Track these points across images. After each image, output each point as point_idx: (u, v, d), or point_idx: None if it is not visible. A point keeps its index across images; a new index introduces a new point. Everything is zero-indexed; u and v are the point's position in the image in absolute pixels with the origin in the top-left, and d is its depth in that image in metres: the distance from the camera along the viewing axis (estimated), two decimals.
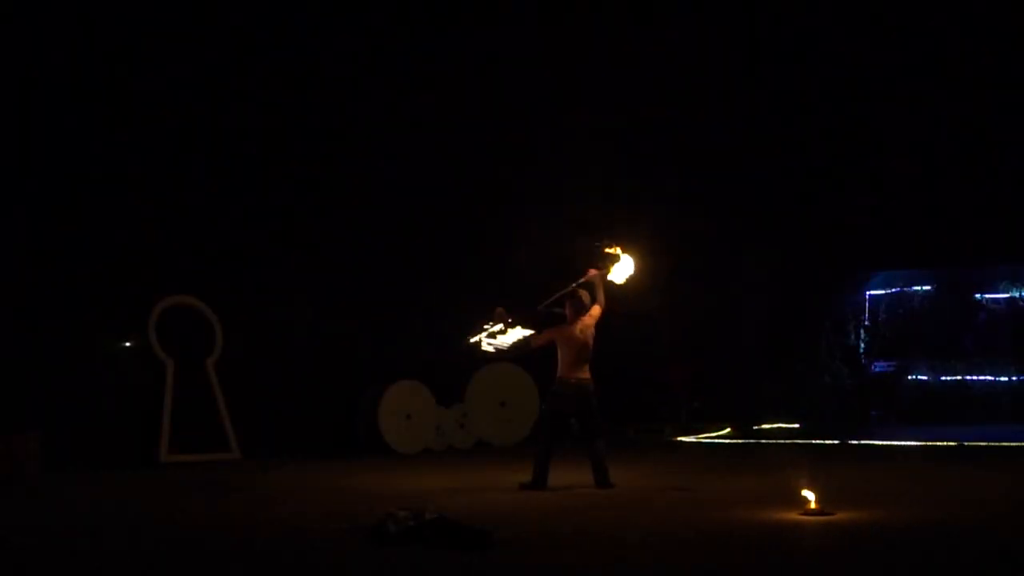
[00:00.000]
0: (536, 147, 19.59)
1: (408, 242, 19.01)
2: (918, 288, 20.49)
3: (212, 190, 17.84)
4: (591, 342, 11.20)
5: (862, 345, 19.34)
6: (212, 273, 17.11)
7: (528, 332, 11.29)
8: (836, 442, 16.00)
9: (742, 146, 20.47)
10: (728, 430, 18.38)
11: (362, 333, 17.84)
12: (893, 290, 20.59)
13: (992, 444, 14.94)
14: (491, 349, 11.43)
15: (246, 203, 18.07)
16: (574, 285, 11.25)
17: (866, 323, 19.79)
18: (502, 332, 11.30)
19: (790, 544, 7.93)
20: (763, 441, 16.78)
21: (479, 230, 19.21)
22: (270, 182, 18.28)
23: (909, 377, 19.36)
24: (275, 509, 10.44)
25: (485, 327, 11.30)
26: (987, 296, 20.06)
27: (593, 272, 11.25)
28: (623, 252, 11.15)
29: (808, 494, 8.97)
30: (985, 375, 19.05)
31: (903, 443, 15.40)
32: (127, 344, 16.62)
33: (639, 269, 11.18)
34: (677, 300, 18.97)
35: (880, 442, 15.72)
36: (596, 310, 11.24)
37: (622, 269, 11.19)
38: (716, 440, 17.45)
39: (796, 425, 18.09)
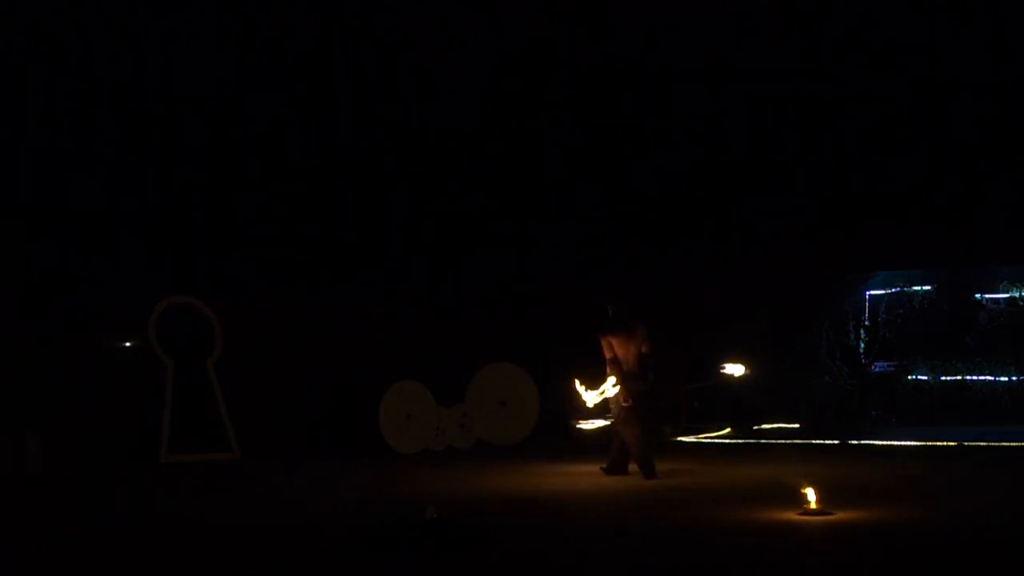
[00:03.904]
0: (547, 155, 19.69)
1: (410, 242, 19.02)
2: (918, 288, 20.46)
3: (212, 190, 17.85)
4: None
5: (862, 345, 19.30)
6: (212, 273, 17.10)
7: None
8: (836, 442, 16.00)
9: (741, 145, 20.47)
10: (728, 430, 18.37)
11: (365, 332, 17.83)
12: (893, 290, 20.55)
13: (992, 444, 14.93)
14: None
15: (247, 203, 18.07)
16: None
17: (866, 323, 19.76)
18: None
19: (790, 544, 7.93)
20: (763, 441, 16.77)
21: (482, 231, 19.22)
22: (271, 182, 18.28)
23: (909, 377, 19.32)
24: (275, 509, 10.44)
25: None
26: (987, 296, 20.04)
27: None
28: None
29: (808, 494, 8.96)
30: (985, 375, 19.03)
31: (903, 443, 15.39)
32: (127, 344, 16.61)
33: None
34: (675, 300, 19.00)
35: (880, 442, 15.71)
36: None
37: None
38: (716, 440, 17.44)
39: (796, 425, 18.06)
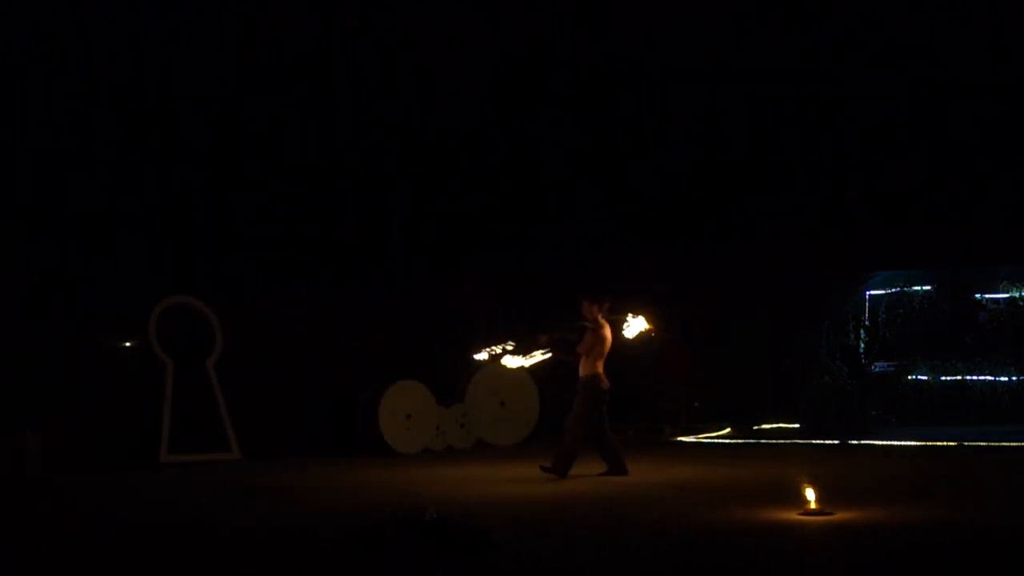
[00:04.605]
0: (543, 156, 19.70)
1: (410, 242, 19.03)
2: (918, 288, 20.45)
3: (212, 190, 17.85)
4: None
5: (862, 345, 19.30)
6: (212, 273, 17.11)
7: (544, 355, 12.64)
8: (836, 442, 16.00)
9: (741, 145, 20.47)
10: (728, 430, 18.37)
11: (365, 332, 17.84)
12: (893, 290, 20.53)
13: (992, 444, 14.94)
14: (512, 364, 12.88)
15: (247, 203, 18.07)
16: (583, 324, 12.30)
17: (866, 323, 19.75)
18: (528, 354, 12.74)
19: (790, 544, 7.93)
20: (763, 441, 16.77)
21: (482, 231, 19.22)
22: (271, 182, 18.28)
23: (909, 377, 19.32)
24: (274, 509, 10.44)
25: (508, 347, 12.70)
26: (987, 296, 20.03)
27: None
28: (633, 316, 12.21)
29: (808, 494, 8.97)
30: (985, 375, 19.02)
31: (903, 443, 15.40)
32: (127, 344, 16.61)
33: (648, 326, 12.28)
34: (675, 299, 19.00)
35: (880, 442, 15.72)
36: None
37: (634, 327, 12.24)
38: (716, 440, 17.45)
39: (796, 425, 18.07)
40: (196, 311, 16.25)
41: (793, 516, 8.80)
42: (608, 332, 12.16)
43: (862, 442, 15.84)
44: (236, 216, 18.05)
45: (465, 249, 19.16)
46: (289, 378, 16.77)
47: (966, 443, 15.06)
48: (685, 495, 10.54)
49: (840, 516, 8.73)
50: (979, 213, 19.68)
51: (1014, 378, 18.77)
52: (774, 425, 18.54)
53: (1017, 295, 19.54)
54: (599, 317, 12.16)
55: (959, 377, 19.13)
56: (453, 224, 19.23)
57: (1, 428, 14.33)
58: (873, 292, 20.60)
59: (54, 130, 16.96)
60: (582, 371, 12.18)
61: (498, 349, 12.69)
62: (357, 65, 19.01)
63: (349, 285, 18.17)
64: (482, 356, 12.99)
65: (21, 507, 11.40)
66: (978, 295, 20.09)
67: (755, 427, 18.45)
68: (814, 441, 16.25)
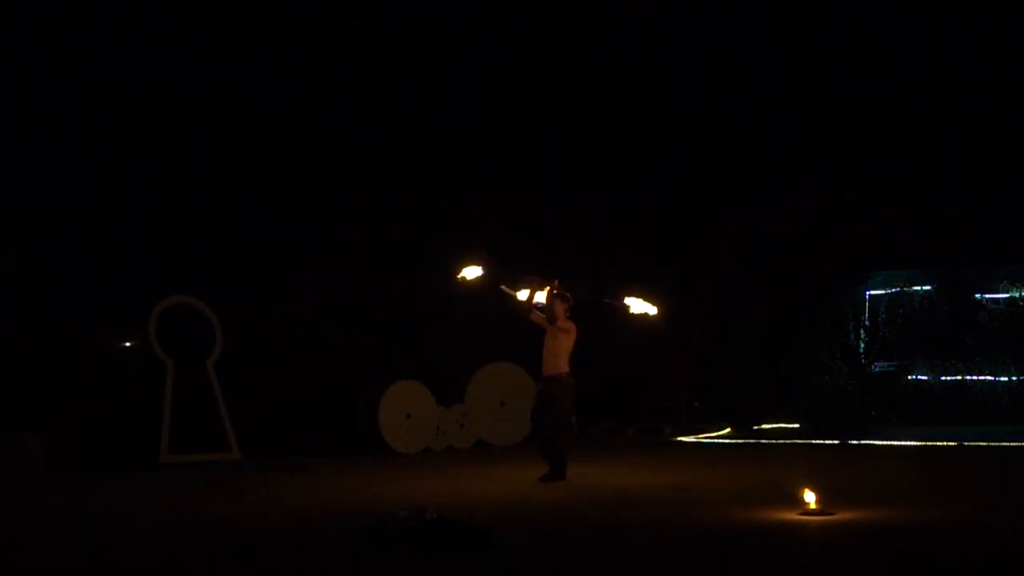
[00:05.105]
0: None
1: (410, 242, 19.02)
2: (918, 288, 20.46)
3: (212, 190, 17.85)
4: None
5: (862, 345, 19.31)
6: (212, 273, 17.11)
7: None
8: (836, 442, 16.01)
9: (741, 145, 20.48)
10: (728, 430, 18.38)
11: (365, 332, 17.84)
12: (893, 290, 20.55)
13: (992, 444, 14.94)
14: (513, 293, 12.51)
15: (247, 203, 18.07)
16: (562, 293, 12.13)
17: (866, 323, 19.76)
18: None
19: (790, 544, 7.93)
20: (763, 441, 16.78)
21: (482, 231, 19.20)
22: (271, 182, 18.28)
23: (909, 377, 19.34)
24: (275, 509, 10.44)
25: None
26: (987, 296, 20.05)
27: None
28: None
29: (808, 494, 8.97)
30: (985, 375, 19.04)
31: (903, 443, 15.40)
32: (127, 344, 16.62)
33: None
34: (676, 299, 19.00)
35: (880, 442, 15.73)
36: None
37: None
38: (716, 440, 17.45)
39: (796, 425, 18.08)
40: (196, 311, 16.25)
41: (793, 516, 8.80)
42: (574, 332, 12.06)
43: (862, 442, 15.85)
44: (236, 216, 18.04)
45: (465, 248, 19.13)
46: (289, 378, 16.77)
47: (966, 443, 15.06)
48: (685, 495, 10.54)
49: (840, 516, 8.73)
50: (979, 213, 19.70)
51: (1014, 378, 18.79)
52: (774, 425, 18.55)
53: (1017, 295, 19.55)
54: (566, 316, 12.07)
55: (959, 377, 19.14)
56: (452, 223, 19.22)
57: (1, 428, 14.33)
58: (873, 292, 20.61)
59: (54, 130, 16.96)
60: (551, 369, 11.97)
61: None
62: (357, 65, 19.02)
63: (349, 285, 18.16)
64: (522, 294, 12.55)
65: (21, 507, 11.39)
66: (978, 295, 20.09)
67: (755, 427, 18.46)
68: (814, 441, 16.25)
